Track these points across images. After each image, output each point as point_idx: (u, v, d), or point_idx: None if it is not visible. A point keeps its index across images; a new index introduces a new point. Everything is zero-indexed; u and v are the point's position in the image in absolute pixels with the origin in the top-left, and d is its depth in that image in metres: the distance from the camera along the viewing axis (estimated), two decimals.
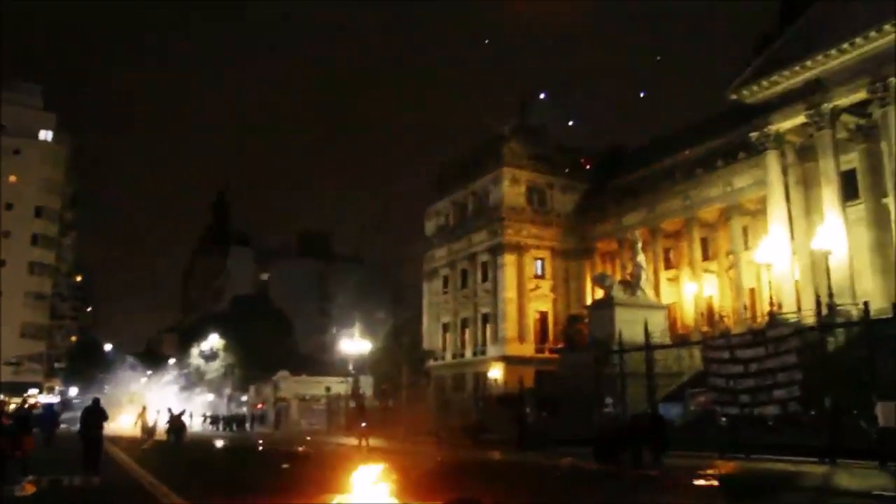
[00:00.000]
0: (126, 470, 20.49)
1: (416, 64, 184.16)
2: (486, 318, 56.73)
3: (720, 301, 45.96)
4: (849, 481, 14.83)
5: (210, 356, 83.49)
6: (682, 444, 19.90)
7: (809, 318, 24.03)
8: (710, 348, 23.43)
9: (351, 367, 54.28)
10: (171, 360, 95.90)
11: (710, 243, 47.61)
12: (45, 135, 70.47)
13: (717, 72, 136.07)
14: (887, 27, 30.06)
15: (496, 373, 51.72)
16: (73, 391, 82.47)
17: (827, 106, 32.92)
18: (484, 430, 32.41)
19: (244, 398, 78.38)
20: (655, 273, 46.56)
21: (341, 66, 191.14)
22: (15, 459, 16.50)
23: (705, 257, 47.44)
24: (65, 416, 45.81)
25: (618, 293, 34.76)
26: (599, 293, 39.19)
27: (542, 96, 68.85)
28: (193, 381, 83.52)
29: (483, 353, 55.78)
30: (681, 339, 38.58)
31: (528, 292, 55.27)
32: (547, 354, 51.40)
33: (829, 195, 32.51)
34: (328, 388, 63.41)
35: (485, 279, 57.15)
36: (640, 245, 37.73)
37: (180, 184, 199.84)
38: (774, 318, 30.91)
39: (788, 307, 32.62)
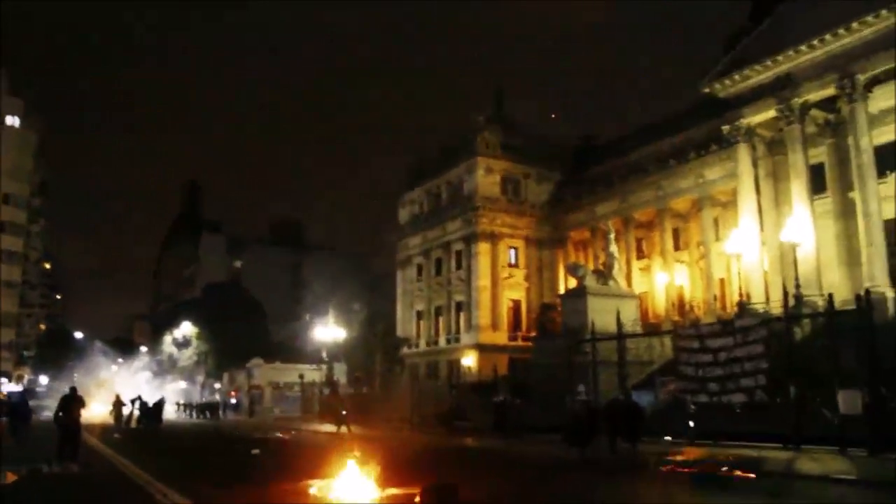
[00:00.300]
0: (104, 458, 20.56)
1: (395, 57, 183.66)
2: (459, 306, 57.11)
3: (691, 291, 46.73)
4: (811, 466, 15.34)
5: (183, 344, 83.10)
6: (652, 431, 20.35)
7: (777, 309, 24.59)
8: (680, 337, 23.91)
9: (325, 355, 54.41)
10: (143, 348, 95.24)
11: (682, 234, 48.32)
12: (13, 120, 69.36)
13: (693, 64, 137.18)
14: (855, 25, 30.63)
15: (470, 360, 52.16)
16: (44, 380, 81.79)
17: (797, 101, 33.47)
18: (458, 417, 32.76)
19: (217, 385, 78.19)
20: (628, 262, 47.17)
21: (318, 59, 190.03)
22: None
23: (677, 247, 48.11)
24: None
25: (590, 282, 35.19)
26: (572, 282, 39.67)
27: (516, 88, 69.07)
28: (166, 368, 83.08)
29: (457, 340, 56.19)
30: (652, 329, 39.12)
31: (502, 281, 55.74)
32: (520, 342, 51.95)
33: (798, 188, 33.14)
34: (301, 376, 63.42)
35: (459, 267, 57.50)
36: (612, 235, 38.16)
37: (152, 171, 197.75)
38: (743, 309, 31.57)
39: (757, 297, 33.24)
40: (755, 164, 36.71)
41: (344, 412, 31.64)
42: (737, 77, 35.74)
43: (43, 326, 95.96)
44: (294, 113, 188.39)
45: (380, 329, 61.45)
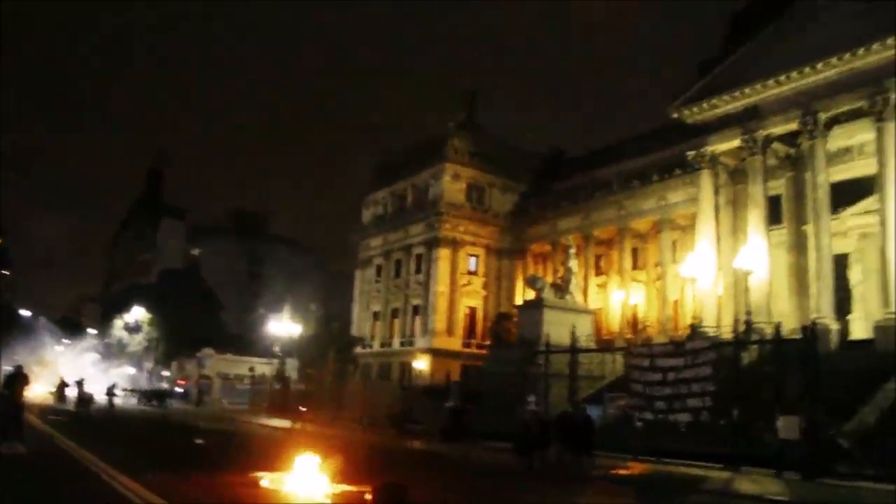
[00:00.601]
0: (48, 438, 20.35)
1: (368, 59, 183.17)
2: (416, 310, 57.32)
3: (646, 310, 47.45)
4: (748, 487, 15.88)
5: (134, 329, 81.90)
6: (598, 446, 20.75)
7: (727, 334, 25.15)
8: (632, 355, 24.45)
9: (277, 349, 54.18)
10: (92, 331, 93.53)
11: (641, 254, 49.06)
12: None
13: (665, 87, 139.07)
14: (819, 65, 31.51)
15: (422, 364, 52.36)
16: None
17: (761, 133, 34.26)
18: (409, 420, 32.93)
19: (166, 373, 77.23)
20: (585, 278, 47.75)
21: (290, 57, 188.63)
22: None
23: (635, 267, 48.85)
24: None
25: (548, 295, 35.62)
26: (530, 293, 40.05)
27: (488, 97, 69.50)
28: (114, 353, 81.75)
29: (411, 343, 56.36)
30: (605, 345, 39.66)
31: (460, 287, 56.09)
32: (474, 349, 52.32)
33: (755, 218, 33.95)
34: (252, 369, 63.20)
35: (418, 271, 57.73)
36: (573, 250, 38.66)
37: (112, 151, 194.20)
38: (695, 331, 32.18)
39: (709, 321, 33.88)
40: (717, 192, 37.46)
41: (303, 409, 31.70)
42: (705, 105, 36.38)
43: None
44: (262, 105, 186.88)
45: (335, 327, 61.31)
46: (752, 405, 19.90)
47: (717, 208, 37.21)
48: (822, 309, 30.22)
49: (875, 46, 29.60)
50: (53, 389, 44.62)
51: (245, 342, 73.63)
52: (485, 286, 57.28)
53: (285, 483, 12.23)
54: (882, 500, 14.36)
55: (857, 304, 32.53)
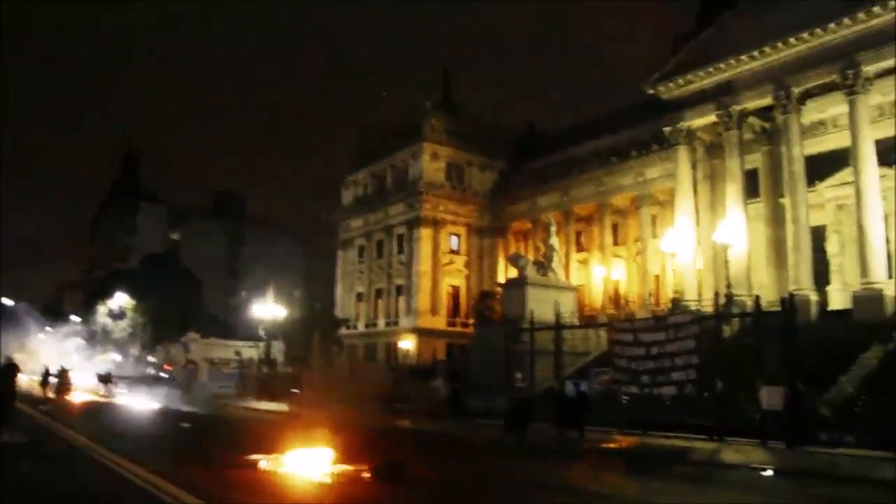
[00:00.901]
0: (41, 425, 20.54)
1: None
2: (399, 290, 57.64)
3: (627, 286, 48.02)
4: (732, 456, 16.44)
5: (118, 315, 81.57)
6: (585, 420, 21.24)
7: (709, 307, 25.66)
8: (615, 331, 24.89)
9: (262, 332, 54.23)
10: (75, 318, 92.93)
11: (621, 229, 49.57)
12: None
13: (641, 63, 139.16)
14: (792, 40, 31.94)
15: (408, 344, 52.75)
16: None
17: (736, 108, 34.72)
18: (397, 400, 33.25)
19: (151, 359, 77.07)
20: (567, 255, 48.18)
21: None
22: None
23: (615, 242, 49.39)
24: None
25: (531, 273, 35.94)
26: (512, 271, 40.42)
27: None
28: (99, 339, 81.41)
29: (396, 324, 56.73)
30: (588, 320, 40.25)
31: (443, 267, 56.41)
32: (459, 328, 52.82)
33: (733, 192, 34.48)
34: (238, 353, 63.17)
35: (400, 251, 57.98)
36: (553, 227, 38.98)
37: (89, 133, 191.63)
38: (676, 305, 32.73)
39: (690, 295, 34.47)
40: (694, 167, 37.94)
41: (295, 391, 31.92)
42: (680, 81, 36.76)
43: None
44: (240, 85, 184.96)
45: (319, 308, 61.44)
46: (735, 377, 20.41)
47: (695, 183, 37.69)
48: (801, 280, 30.84)
49: (846, 21, 30.09)
50: (38, 378, 44.46)
51: (228, 325, 73.59)
52: (467, 265, 57.65)
53: (283, 464, 12.53)
54: (861, 466, 14.92)
55: (835, 274, 33.26)
